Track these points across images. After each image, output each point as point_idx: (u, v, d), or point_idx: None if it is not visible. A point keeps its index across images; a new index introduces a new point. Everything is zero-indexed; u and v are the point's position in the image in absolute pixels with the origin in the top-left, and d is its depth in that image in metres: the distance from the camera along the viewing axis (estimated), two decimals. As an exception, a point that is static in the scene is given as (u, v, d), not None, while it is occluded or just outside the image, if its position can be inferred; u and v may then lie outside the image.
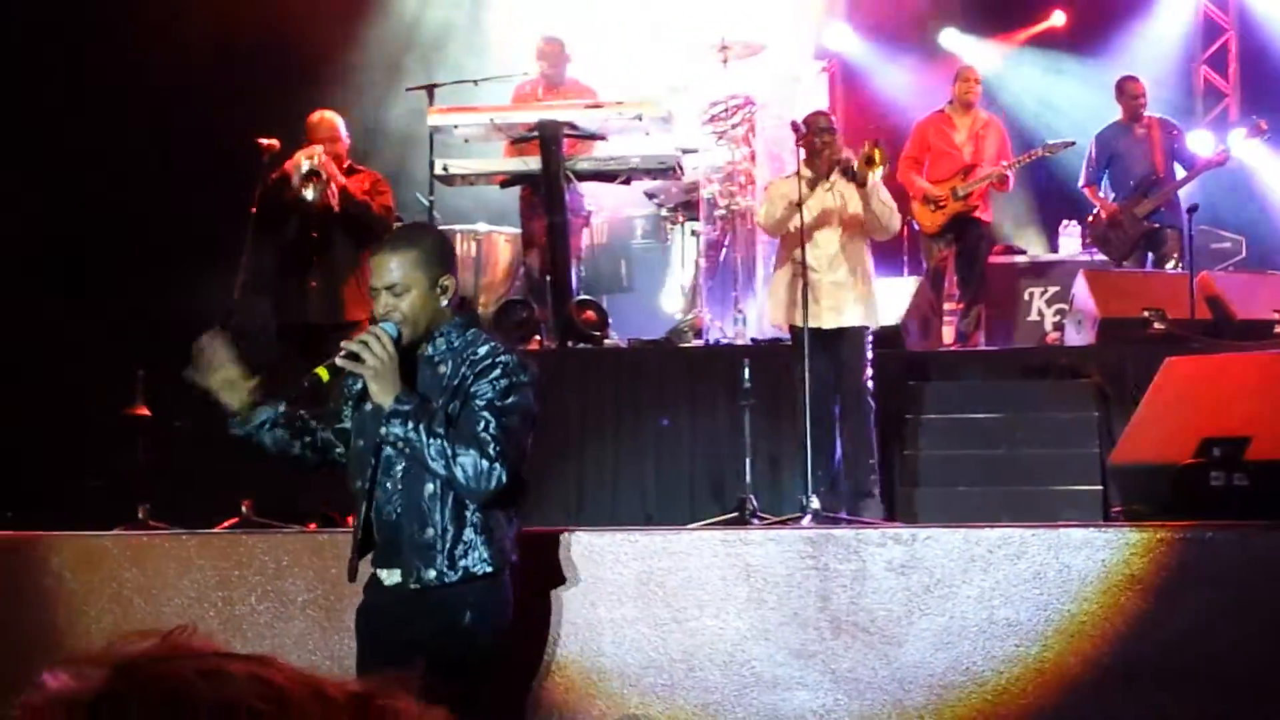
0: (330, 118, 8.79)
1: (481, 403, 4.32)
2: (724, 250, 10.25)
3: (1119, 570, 5.34)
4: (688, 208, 10.40)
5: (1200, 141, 11.55)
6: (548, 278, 9.75)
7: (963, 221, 10.65)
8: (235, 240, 8.22)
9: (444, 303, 4.45)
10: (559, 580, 5.67)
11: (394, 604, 4.45)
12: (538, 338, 9.70)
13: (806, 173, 8.26)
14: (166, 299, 9.38)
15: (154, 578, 6.01)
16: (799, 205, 8.01)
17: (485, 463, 4.23)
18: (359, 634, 4.65)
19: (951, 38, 13.36)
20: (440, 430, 4.23)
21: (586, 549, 5.72)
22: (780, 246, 8.52)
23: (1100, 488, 8.24)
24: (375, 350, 4.25)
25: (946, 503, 8.47)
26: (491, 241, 10.34)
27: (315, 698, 1.30)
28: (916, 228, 10.90)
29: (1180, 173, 10.69)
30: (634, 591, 5.67)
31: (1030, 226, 13.31)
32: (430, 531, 4.35)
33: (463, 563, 4.37)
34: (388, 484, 4.41)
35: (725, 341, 9.61)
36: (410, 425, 4.22)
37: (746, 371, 7.99)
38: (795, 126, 8.30)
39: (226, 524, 7.44)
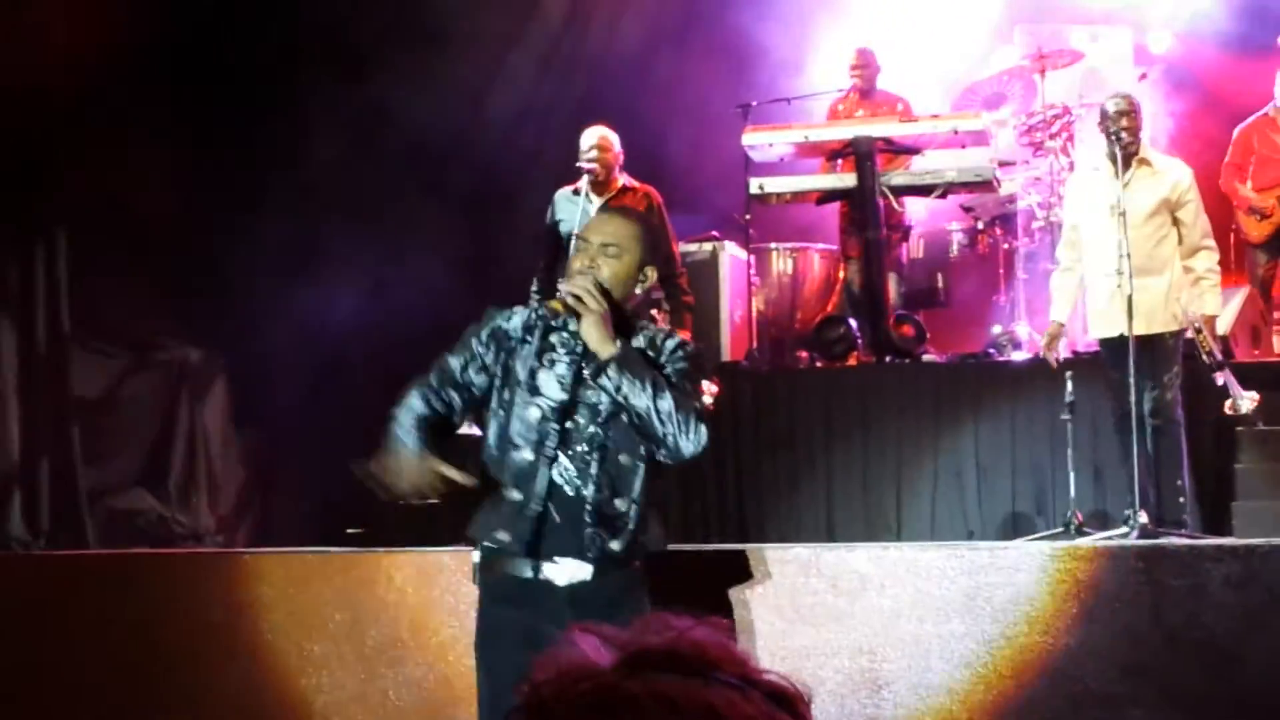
0: (600, 130, 8.94)
1: (675, 375, 4.27)
2: (1043, 262, 10.11)
3: None
4: (1005, 220, 10.29)
5: None
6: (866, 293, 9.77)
7: (1289, 232, 10.30)
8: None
9: (638, 289, 4.37)
10: (884, 595, 5.69)
11: (560, 601, 4.20)
12: (855, 353, 9.72)
13: (1104, 164, 7.83)
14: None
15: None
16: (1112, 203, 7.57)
17: (697, 424, 4.17)
18: (503, 648, 4.25)
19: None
20: (665, 386, 4.16)
21: (911, 564, 5.73)
22: (1071, 247, 8.02)
23: None
24: (597, 295, 4.18)
25: (1277, 516, 8.18)
26: (807, 258, 10.40)
27: None
28: (1242, 237, 10.59)
29: None
30: (961, 607, 5.66)
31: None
32: (620, 503, 4.24)
33: (642, 538, 4.30)
34: (574, 454, 4.25)
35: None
36: (634, 377, 4.13)
37: (1069, 384, 7.86)
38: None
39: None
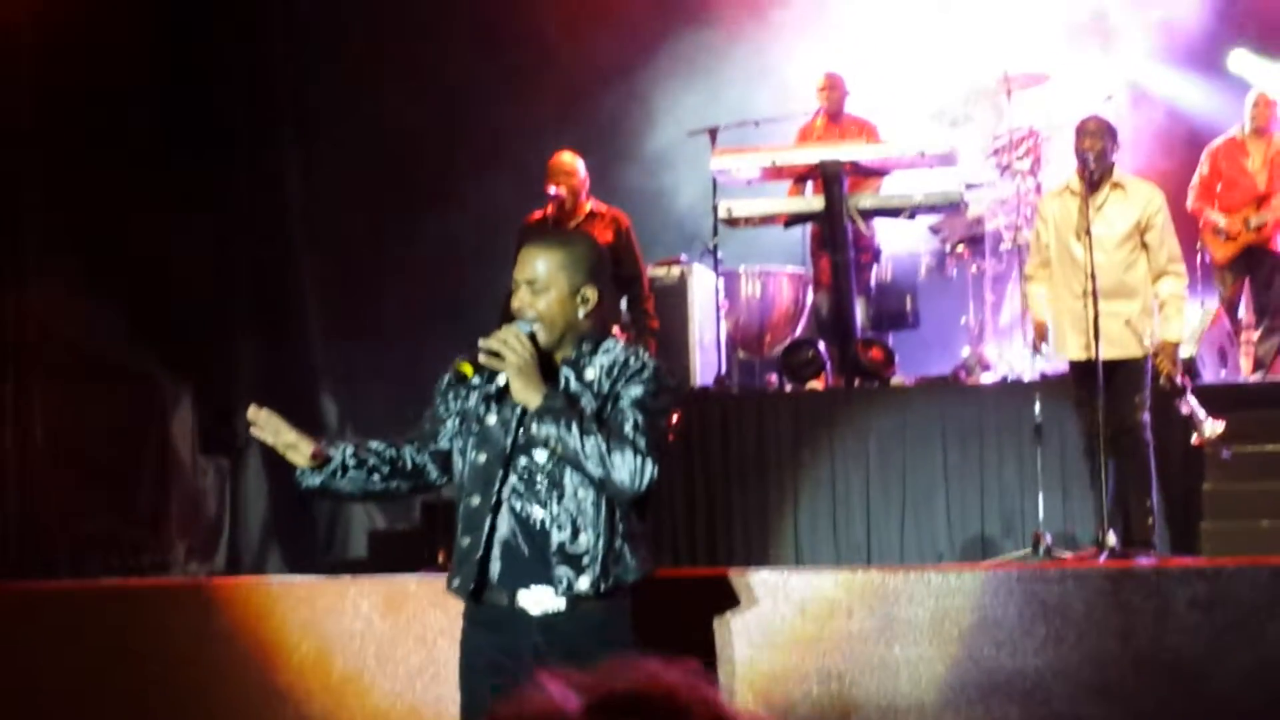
0: (567, 158, 9.03)
1: (629, 401, 4.22)
2: (1011, 284, 10.13)
3: None
4: (973, 242, 10.31)
5: None
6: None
7: (1256, 253, 10.36)
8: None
9: (582, 313, 4.31)
10: (852, 619, 5.68)
11: (533, 628, 4.25)
12: (824, 376, 9.72)
13: (1077, 185, 7.73)
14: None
15: (456, 620, 6.18)
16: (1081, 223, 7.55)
17: (638, 459, 4.13)
18: (478, 674, 4.35)
19: (1240, 60, 12.99)
20: (593, 428, 4.13)
21: (879, 588, 5.72)
22: (1043, 265, 7.96)
23: None
24: (515, 347, 4.16)
25: (1248, 538, 8.20)
26: (776, 281, 10.40)
27: None
28: (1208, 259, 10.64)
29: None
30: (930, 630, 5.65)
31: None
32: (584, 540, 4.22)
33: (615, 571, 4.25)
34: (532, 493, 4.25)
35: (1014, 377, 9.49)
36: (562, 423, 4.12)
37: (1038, 406, 7.88)
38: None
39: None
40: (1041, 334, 7.95)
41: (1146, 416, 7.66)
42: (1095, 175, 7.65)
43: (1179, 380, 7.48)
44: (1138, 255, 7.71)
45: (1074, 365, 7.79)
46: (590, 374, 4.30)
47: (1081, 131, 7.77)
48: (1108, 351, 7.45)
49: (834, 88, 10.51)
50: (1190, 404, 7.41)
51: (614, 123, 11.07)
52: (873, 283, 10.37)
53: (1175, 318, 7.68)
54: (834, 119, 10.52)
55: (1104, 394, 7.37)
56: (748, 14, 11.62)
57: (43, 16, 9.02)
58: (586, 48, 11.21)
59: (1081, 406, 7.69)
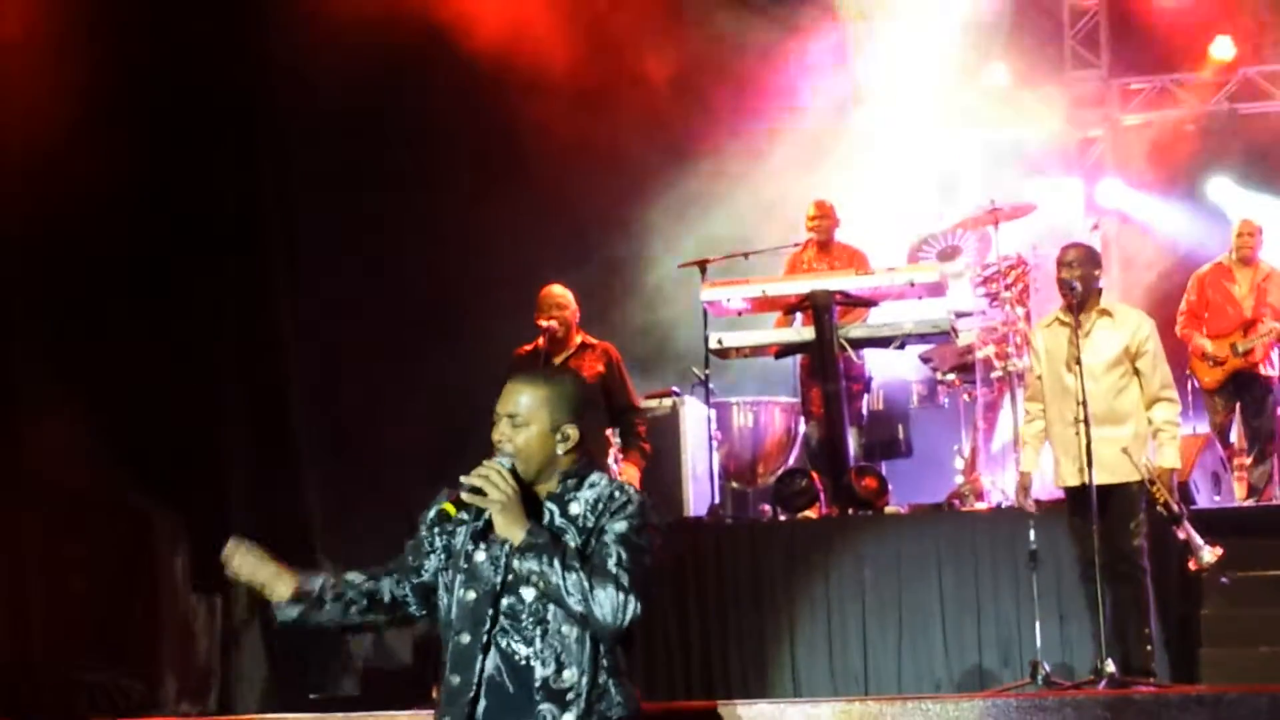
0: (558, 291, 9.12)
1: (613, 537, 4.18)
2: (1002, 411, 10.15)
3: None
4: (963, 370, 10.35)
5: None
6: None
7: (1244, 378, 10.42)
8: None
9: (561, 450, 4.30)
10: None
11: None
12: (817, 506, 9.71)
13: (1065, 317, 7.82)
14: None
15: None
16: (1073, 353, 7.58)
17: (621, 595, 4.08)
18: None
19: (1220, 189, 13.16)
20: (575, 564, 4.10)
21: (877, 717, 5.68)
22: (1037, 397, 8.02)
23: None
24: (497, 483, 4.14)
25: (1244, 664, 8.15)
26: (768, 411, 10.42)
27: None
28: (1197, 385, 10.69)
29: None
30: (929, 761, 5.59)
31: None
32: (569, 675, 4.16)
33: (599, 708, 4.19)
34: (517, 629, 4.20)
35: (1007, 504, 9.48)
36: (545, 559, 4.09)
37: (1032, 533, 7.86)
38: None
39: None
40: (1024, 489, 7.96)
41: (1143, 542, 7.64)
42: (1081, 302, 7.69)
43: (1175, 507, 7.47)
44: (1127, 381, 7.73)
45: (1069, 492, 7.77)
46: (575, 509, 4.27)
47: (1062, 262, 7.81)
48: (1101, 477, 7.46)
49: (825, 215, 10.60)
50: (1187, 530, 7.39)
51: (610, 259, 11.17)
52: (864, 411, 10.39)
53: (1170, 444, 7.67)
54: (824, 248, 10.59)
55: (1099, 520, 7.37)
56: (741, 149, 11.77)
57: (34, 139, 9.09)
58: (585, 187, 11.33)
59: (1077, 533, 7.67)
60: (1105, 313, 7.81)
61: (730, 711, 5.87)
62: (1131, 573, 7.59)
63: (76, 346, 9.35)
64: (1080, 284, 7.69)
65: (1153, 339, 7.79)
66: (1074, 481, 7.63)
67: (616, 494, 4.27)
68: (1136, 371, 7.74)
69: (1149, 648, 7.58)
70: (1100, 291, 7.87)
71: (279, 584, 4.31)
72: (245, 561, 4.31)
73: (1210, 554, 7.36)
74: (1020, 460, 8.11)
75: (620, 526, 4.20)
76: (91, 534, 9.55)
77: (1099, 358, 7.70)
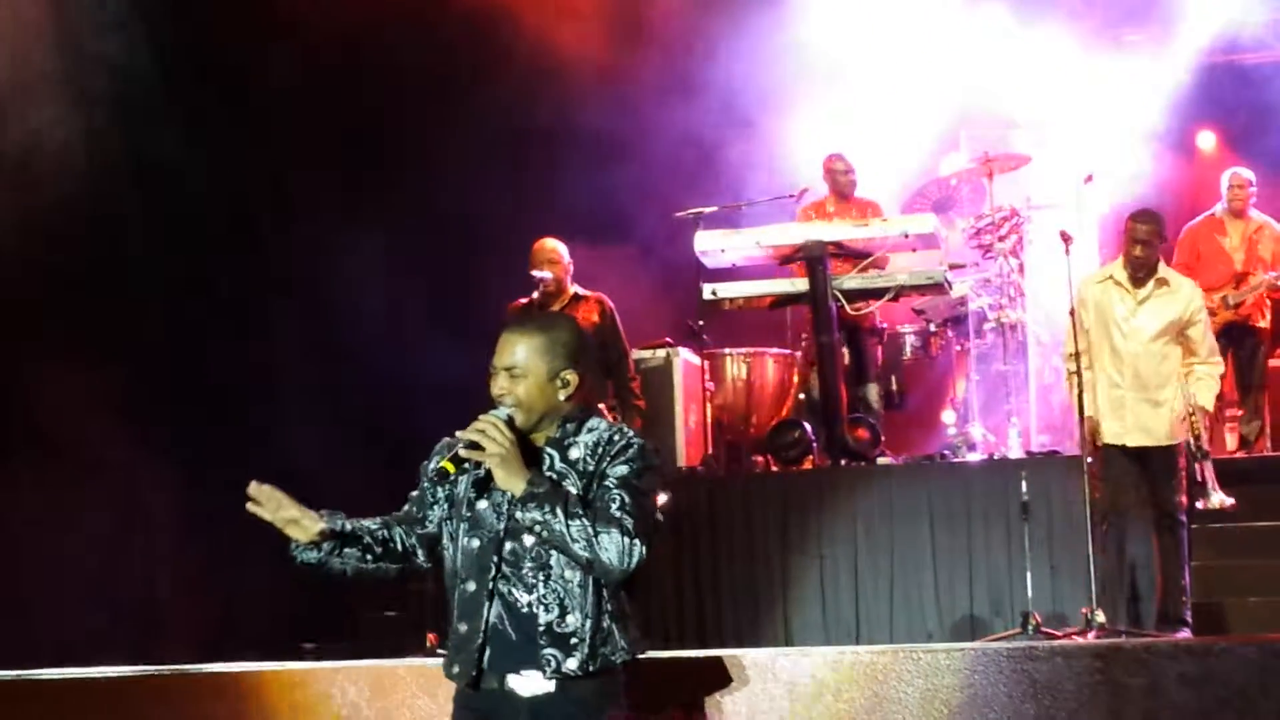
0: (550, 244, 9.12)
1: (615, 481, 4.20)
2: (995, 363, 10.17)
3: None
4: (957, 322, 10.36)
5: None
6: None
7: (1236, 331, 10.45)
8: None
9: (562, 396, 4.31)
10: (841, 699, 5.66)
11: (523, 711, 4.23)
12: (810, 457, 9.73)
13: (1122, 276, 8.02)
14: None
15: (445, 705, 6.15)
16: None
17: (626, 540, 4.11)
18: None
19: (1209, 141, 13.14)
20: (579, 510, 4.12)
21: (868, 668, 5.70)
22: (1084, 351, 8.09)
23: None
24: (494, 436, 4.14)
25: (1237, 614, 8.21)
26: (761, 362, 10.42)
27: None
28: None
29: None
30: (919, 710, 5.62)
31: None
32: (573, 620, 4.20)
33: (603, 651, 4.22)
34: (518, 576, 4.23)
35: (1000, 455, 9.52)
36: (547, 508, 4.10)
37: (1024, 485, 7.91)
38: (1065, 236, 8.14)
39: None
40: (1094, 430, 7.96)
41: (1183, 499, 7.90)
42: (1137, 272, 7.94)
43: (1205, 445, 7.74)
44: (1172, 347, 7.98)
45: (1108, 448, 7.89)
46: (575, 453, 4.28)
47: (1135, 239, 7.95)
48: (1144, 439, 7.85)
49: (851, 169, 10.59)
50: (1207, 469, 7.61)
51: (598, 205, 11.11)
52: (877, 363, 10.39)
53: (1208, 390, 7.96)
54: (845, 199, 10.59)
55: (1143, 480, 7.84)
56: (746, 94, 11.71)
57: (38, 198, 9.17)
58: (573, 130, 11.30)
59: (1107, 483, 7.81)
60: (1163, 281, 7.99)
61: (722, 660, 5.90)
62: (1173, 524, 7.85)
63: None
64: (1142, 251, 7.92)
65: (1203, 309, 8.11)
66: (1116, 440, 7.87)
67: (616, 437, 4.27)
68: (1186, 338, 7.98)
69: (1185, 598, 7.85)
70: (1159, 261, 8.07)
71: (303, 523, 4.32)
72: (271, 499, 4.31)
73: (1220, 499, 7.55)
74: (1085, 405, 7.98)
75: (622, 470, 4.21)
76: (88, 484, 9.59)
77: (1150, 324, 7.95)
